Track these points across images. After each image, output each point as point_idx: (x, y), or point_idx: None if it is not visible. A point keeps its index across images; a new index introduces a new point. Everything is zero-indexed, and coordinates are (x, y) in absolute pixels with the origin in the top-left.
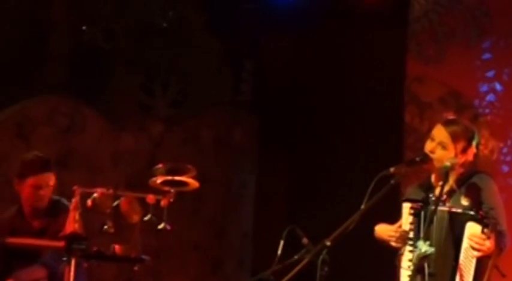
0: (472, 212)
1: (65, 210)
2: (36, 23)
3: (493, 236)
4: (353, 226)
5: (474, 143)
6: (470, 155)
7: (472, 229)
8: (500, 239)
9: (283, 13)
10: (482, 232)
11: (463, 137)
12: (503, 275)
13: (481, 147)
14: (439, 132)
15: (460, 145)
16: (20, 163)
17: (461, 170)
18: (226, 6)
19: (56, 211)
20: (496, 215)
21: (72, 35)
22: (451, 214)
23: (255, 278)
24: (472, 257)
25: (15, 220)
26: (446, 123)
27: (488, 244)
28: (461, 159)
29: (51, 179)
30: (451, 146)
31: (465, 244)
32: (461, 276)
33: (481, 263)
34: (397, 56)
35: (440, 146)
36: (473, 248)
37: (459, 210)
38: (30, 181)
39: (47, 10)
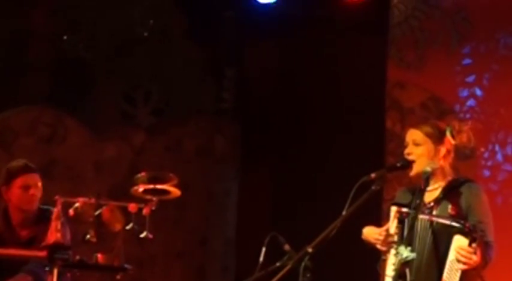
0: (458, 225)
1: None
2: (17, 32)
3: (479, 249)
4: (335, 232)
5: (448, 133)
6: (448, 144)
7: (459, 241)
8: (486, 252)
9: (264, 21)
10: (470, 245)
11: (433, 129)
12: None
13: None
14: (410, 134)
15: (434, 137)
16: (4, 171)
17: (450, 176)
18: (208, 14)
19: (44, 220)
20: (483, 226)
21: (53, 44)
22: (437, 224)
23: None
24: (457, 270)
25: (2, 230)
26: (415, 125)
27: (475, 258)
28: (440, 151)
29: (38, 179)
30: (425, 140)
31: (451, 256)
32: None
33: (466, 276)
34: (378, 62)
35: (415, 146)
36: (459, 261)
37: (446, 221)
38: (18, 181)
39: (27, 20)
